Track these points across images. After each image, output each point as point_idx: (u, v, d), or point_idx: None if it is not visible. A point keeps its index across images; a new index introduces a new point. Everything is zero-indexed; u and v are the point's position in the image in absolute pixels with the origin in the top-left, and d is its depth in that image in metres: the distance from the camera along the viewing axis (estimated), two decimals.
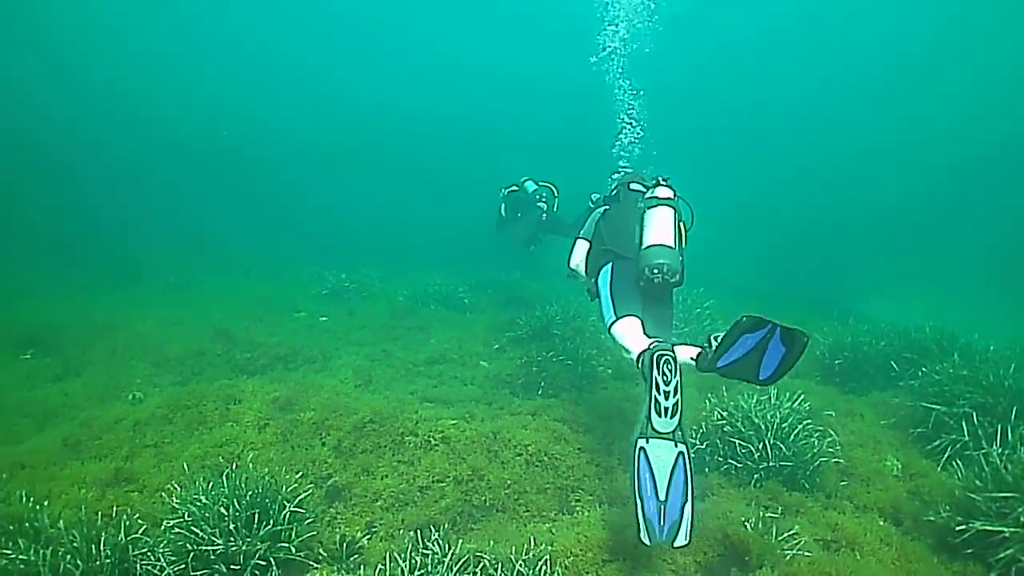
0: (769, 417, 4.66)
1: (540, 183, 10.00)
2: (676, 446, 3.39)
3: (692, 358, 3.67)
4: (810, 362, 7.50)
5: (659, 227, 4.40)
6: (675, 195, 4.66)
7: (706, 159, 22.35)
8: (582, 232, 5.30)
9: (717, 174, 21.19)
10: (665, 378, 3.42)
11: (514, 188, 10.29)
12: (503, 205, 10.35)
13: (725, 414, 4.85)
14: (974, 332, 7.33)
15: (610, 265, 4.66)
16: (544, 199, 9.84)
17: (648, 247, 4.35)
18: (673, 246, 4.34)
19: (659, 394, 3.40)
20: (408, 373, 7.20)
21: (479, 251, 10.76)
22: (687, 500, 3.26)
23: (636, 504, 3.22)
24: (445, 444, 4.69)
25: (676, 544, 3.16)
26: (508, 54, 25.72)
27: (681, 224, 4.56)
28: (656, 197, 4.58)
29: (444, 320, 9.27)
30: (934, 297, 13.13)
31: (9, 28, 21.66)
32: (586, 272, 5.12)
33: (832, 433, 4.91)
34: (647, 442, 3.38)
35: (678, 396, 3.42)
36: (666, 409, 3.39)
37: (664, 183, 4.75)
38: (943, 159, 22.45)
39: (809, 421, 4.70)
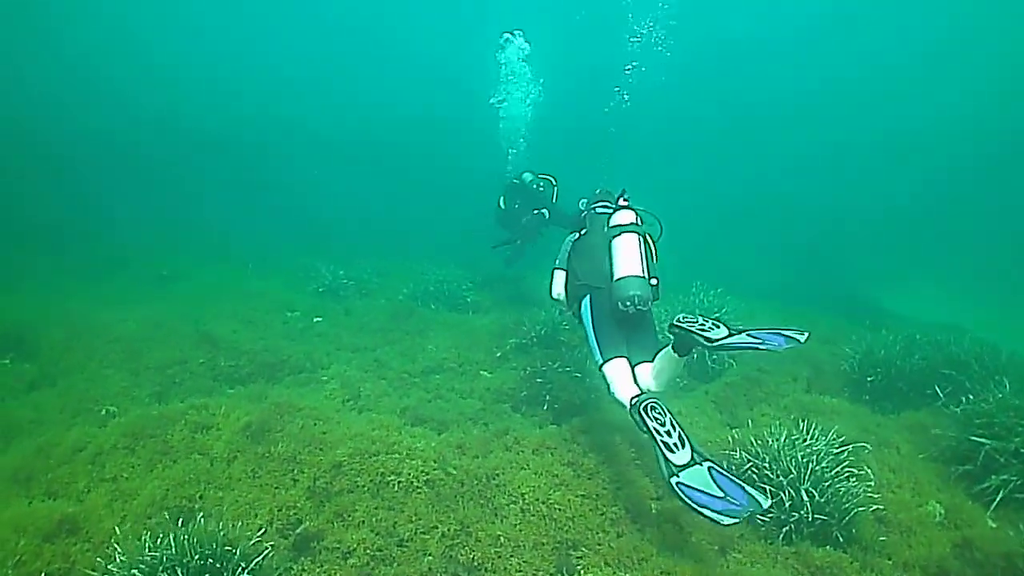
0: (801, 458, 4.09)
1: (538, 175, 9.79)
2: (702, 465, 3.43)
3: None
4: (839, 376, 6.94)
5: (626, 257, 4.56)
6: (637, 215, 4.84)
7: (724, 158, 21.68)
8: (557, 262, 5.41)
9: (735, 174, 20.56)
10: (659, 421, 3.59)
11: (515, 181, 9.96)
12: (502, 197, 9.97)
13: (750, 454, 4.32)
14: (1016, 342, 6.71)
15: (588, 298, 4.68)
16: (542, 189, 9.70)
17: (619, 279, 4.49)
18: (642, 274, 4.48)
19: (662, 437, 3.52)
20: (402, 385, 6.70)
21: (485, 244, 10.16)
22: (742, 486, 3.31)
23: (706, 514, 3.18)
24: (431, 488, 4.14)
25: (765, 506, 3.24)
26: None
27: (649, 242, 4.71)
28: (620, 225, 4.75)
29: (445, 323, 8.69)
30: (972, 297, 12.43)
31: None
32: (568, 301, 5.18)
33: (869, 473, 4.35)
34: (679, 476, 3.38)
35: (678, 428, 3.56)
36: (675, 444, 3.49)
37: (625, 203, 5.00)
38: (967, 155, 21.51)
39: (847, 465, 4.12)
